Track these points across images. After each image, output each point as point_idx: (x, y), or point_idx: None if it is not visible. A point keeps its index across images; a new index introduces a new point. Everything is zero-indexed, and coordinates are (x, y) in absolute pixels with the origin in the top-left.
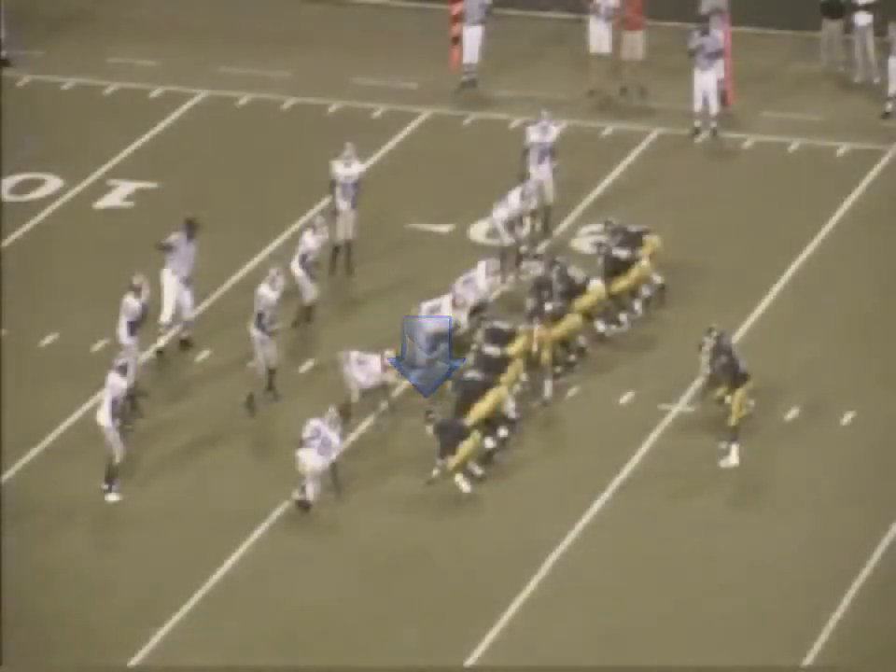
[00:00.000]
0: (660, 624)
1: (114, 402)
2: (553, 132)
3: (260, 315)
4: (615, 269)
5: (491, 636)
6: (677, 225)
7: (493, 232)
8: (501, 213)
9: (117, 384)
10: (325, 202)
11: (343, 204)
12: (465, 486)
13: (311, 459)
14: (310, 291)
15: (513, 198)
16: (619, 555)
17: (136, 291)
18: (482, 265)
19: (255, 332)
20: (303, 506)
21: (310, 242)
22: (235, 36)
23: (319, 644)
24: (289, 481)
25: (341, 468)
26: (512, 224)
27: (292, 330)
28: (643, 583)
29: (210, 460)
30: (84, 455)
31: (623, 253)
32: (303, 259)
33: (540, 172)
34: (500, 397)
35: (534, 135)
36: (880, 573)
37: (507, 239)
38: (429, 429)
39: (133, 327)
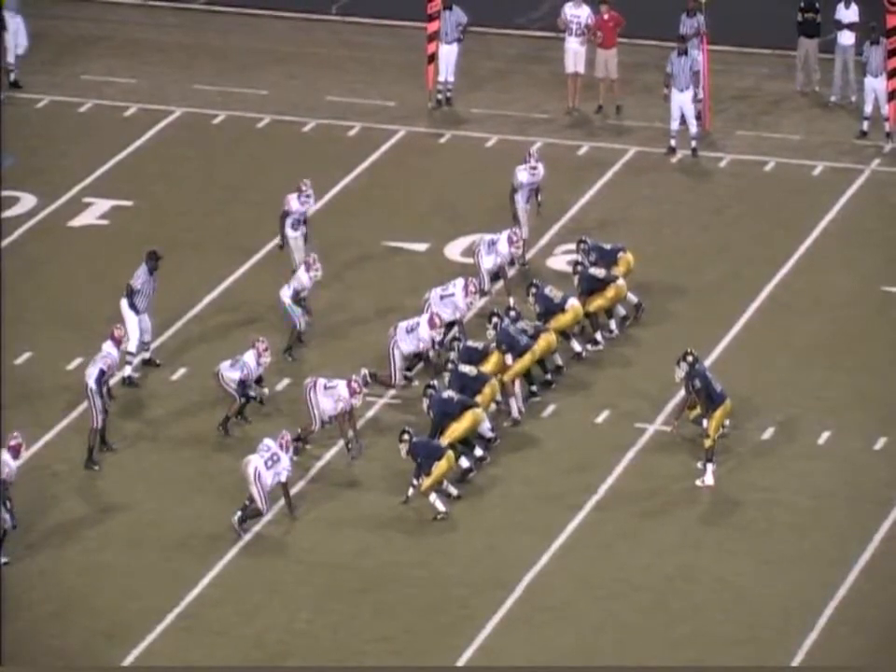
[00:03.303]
0: (635, 644)
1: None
2: (542, 171)
3: (243, 383)
4: (592, 288)
5: (466, 655)
6: (652, 243)
7: (469, 252)
8: (489, 261)
9: (7, 462)
10: (309, 213)
11: (294, 233)
12: (440, 506)
13: (256, 461)
14: (301, 322)
15: (502, 246)
16: (595, 575)
17: (116, 341)
18: (460, 282)
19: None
20: (252, 514)
21: (304, 278)
22: (211, 54)
23: (291, 663)
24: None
25: (290, 486)
26: (497, 272)
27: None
28: (619, 603)
29: (183, 480)
30: (57, 471)
31: (599, 272)
32: (296, 294)
33: (527, 208)
34: (477, 417)
35: (523, 176)
36: (856, 593)
37: (487, 285)
38: (404, 449)
39: (103, 375)
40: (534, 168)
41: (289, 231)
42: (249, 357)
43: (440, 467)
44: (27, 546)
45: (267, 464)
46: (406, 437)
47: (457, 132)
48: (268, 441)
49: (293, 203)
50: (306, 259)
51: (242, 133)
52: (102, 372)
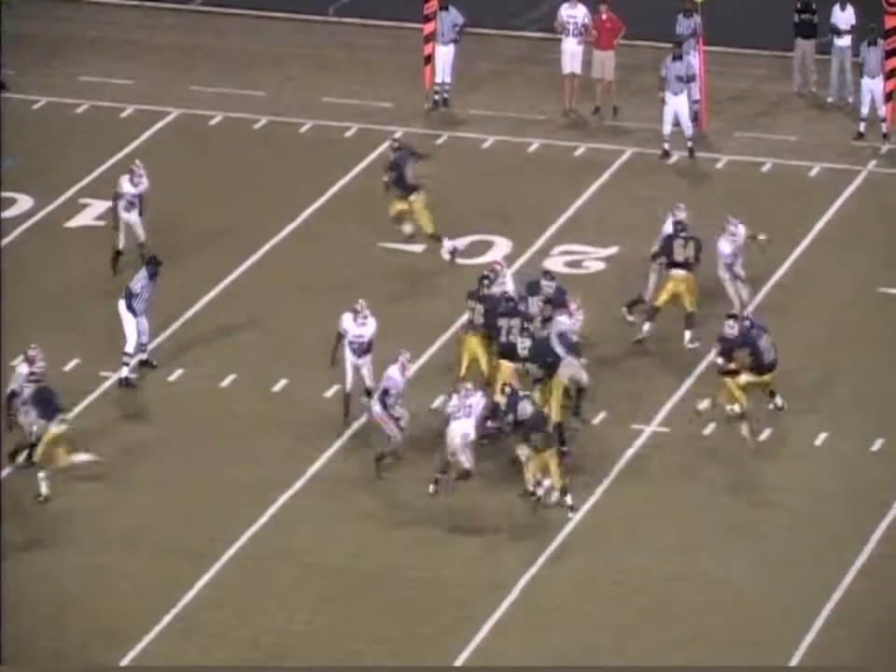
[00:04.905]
0: (633, 645)
1: None
2: (741, 232)
3: (386, 392)
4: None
5: (464, 656)
6: (649, 245)
7: (466, 254)
8: (726, 247)
9: None
10: (306, 215)
11: (128, 215)
12: (43, 487)
13: (461, 426)
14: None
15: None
16: (592, 576)
17: (29, 362)
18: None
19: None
20: (465, 476)
21: (349, 323)
22: (208, 55)
23: (288, 664)
24: (261, 502)
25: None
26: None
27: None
28: (616, 605)
29: (179, 481)
30: (53, 474)
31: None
32: (340, 337)
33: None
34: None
35: (725, 247)
36: (854, 594)
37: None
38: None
39: (14, 395)
40: (733, 235)
41: (122, 213)
42: (393, 371)
43: (50, 432)
44: (25, 548)
45: (466, 416)
46: (34, 377)
47: (454, 133)
48: (455, 400)
49: (125, 185)
50: (354, 307)
51: (239, 134)
52: (12, 392)
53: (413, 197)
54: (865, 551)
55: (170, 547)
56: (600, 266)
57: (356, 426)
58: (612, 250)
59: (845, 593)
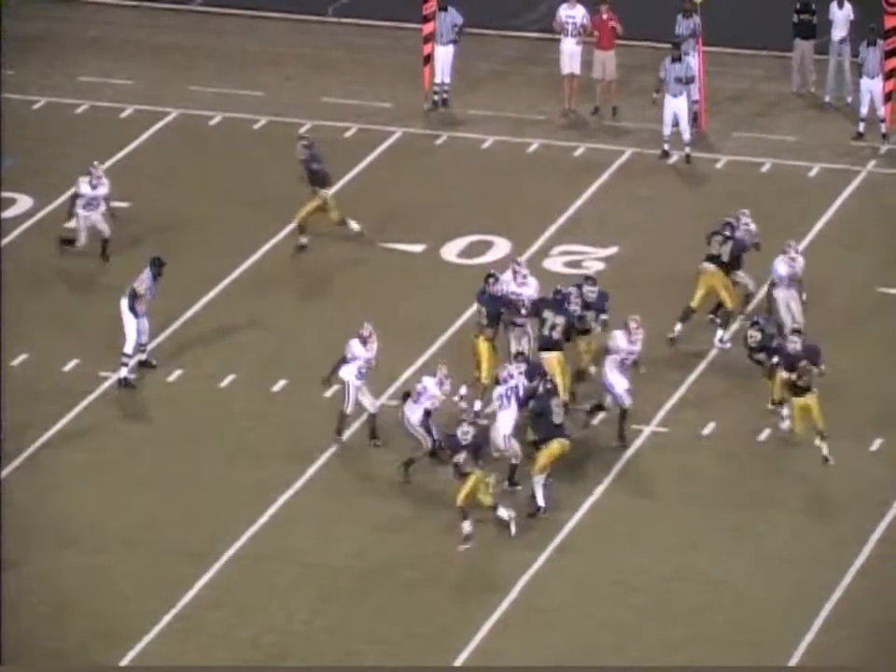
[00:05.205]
0: (632, 645)
1: None
2: (801, 262)
3: (428, 413)
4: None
5: (463, 656)
6: (648, 245)
7: (464, 254)
8: (783, 269)
9: None
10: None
11: (87, 214)
12: None
13: (505, 418)
14: (369, 400)
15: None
16: (592, 576)
17: None
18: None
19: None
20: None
21: (358, 350)
22: (207, 55)
23: (288, 664)
24: (261, 502)
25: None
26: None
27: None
28: (616, 605)
29: (179, 481)
30: (54, 473)
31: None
32: (345, 362)
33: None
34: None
35: (782, 268)
36: (853, 594)
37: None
38: None
39: None
40: (793, 258)
41: (81, 211)
42: (430, 384)
43: None
44: (24, 549)
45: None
46: None
47: (454, 133)
48: (500, 391)
49: (82, 186)
50: (360, 333)
51: (238, 134)
52: None
53: (324, 192)
54: (865, 551)
55: (170, 547)
56: (599, 266)
57: (355, 426)
58: (612, 250)
59: (844, 593)
